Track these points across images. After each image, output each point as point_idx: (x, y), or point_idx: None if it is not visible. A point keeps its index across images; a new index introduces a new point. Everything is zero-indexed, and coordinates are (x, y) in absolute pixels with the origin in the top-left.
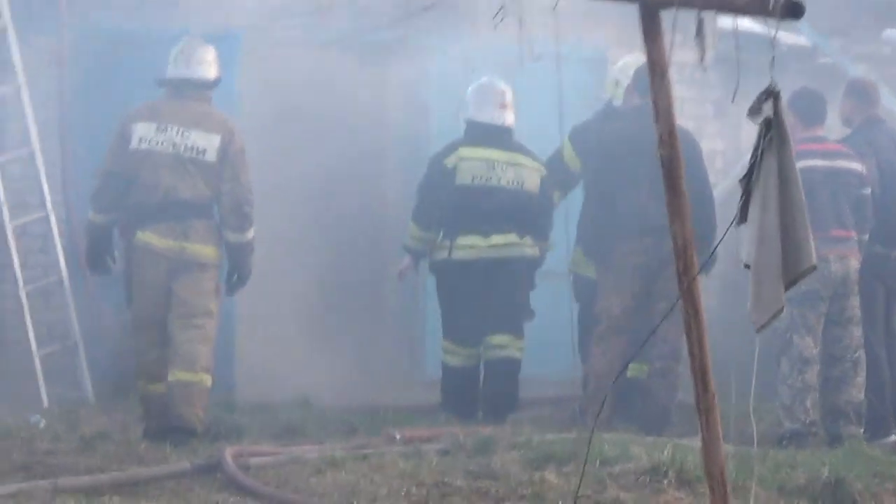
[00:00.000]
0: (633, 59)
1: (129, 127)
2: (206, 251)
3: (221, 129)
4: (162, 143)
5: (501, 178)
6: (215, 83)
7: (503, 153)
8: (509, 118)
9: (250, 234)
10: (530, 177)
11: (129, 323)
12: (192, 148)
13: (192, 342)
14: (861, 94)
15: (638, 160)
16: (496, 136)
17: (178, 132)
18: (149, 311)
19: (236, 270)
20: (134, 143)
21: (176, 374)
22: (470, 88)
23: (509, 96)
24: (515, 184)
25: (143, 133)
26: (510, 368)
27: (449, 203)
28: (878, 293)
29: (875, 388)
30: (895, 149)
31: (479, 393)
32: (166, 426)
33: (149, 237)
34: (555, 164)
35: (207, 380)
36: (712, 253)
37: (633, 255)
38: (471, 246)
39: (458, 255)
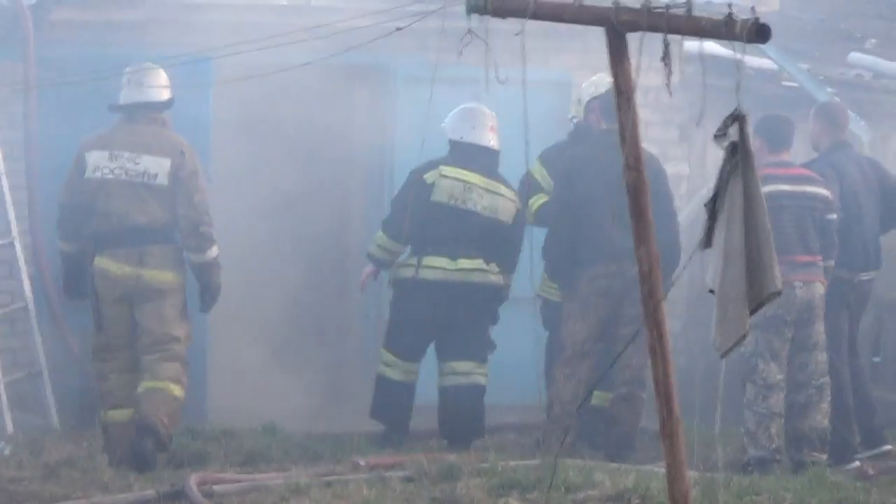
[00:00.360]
0: (598, 77)
1: (83, 156)
2: (163, 276)
3: (171, 153)
4: (114, 171)
5: (477, 203)
6: (168, 105)
7: (483, 179)
8: (496, 142)
9: (212, 252)
10: (505, 207)
11: (91, 349)
12: (143, 173)
13: (158, 361)
14: (829, 118)
15: (603, 185)
16: (481, 159)
17: (128, 158)
18: (109, 336)
19: (205, 289)
20: (88, 172)
21: (143, 385)
22: (457, 110)
23: (496, 121)
24: (490, 211)
25: (96, 162)
26: (475, 394)
27: (421, 218)
28: (842, 318)
29: (840, 413)
30: (860, 174)
31: (440, 419)
32: (129, 450)
33: (106, 263)
34: (528, 183)
35: (175, 389)
36: (674, 277)
37: (598, 280)
38: (438, 267)
39: (425, 274)
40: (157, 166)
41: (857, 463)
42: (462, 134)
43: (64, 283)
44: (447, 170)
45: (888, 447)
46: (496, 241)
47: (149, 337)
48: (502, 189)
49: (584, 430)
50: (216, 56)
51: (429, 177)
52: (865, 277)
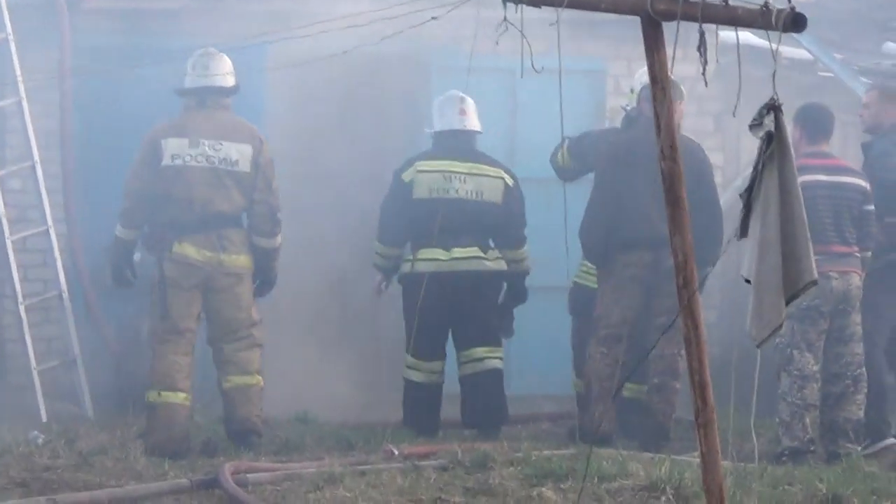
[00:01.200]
0: None
1: (159, 144)
2: (240, 261)
3: (251, 139)
4: (197, 158)
5: (459, 190)
6: (234, 90)
7: (462, 164)
8: (470, 123)
9: (279, 239)
10: (491, 186)
11: (153, 332)
12: (225, 160)
13: (242, 350)
14: (893, 97)
15: (644, 172)
16: (457, 145)
17: (210, 145)
18: (180, 320)
19: (264, 275)
20: (166, 160)
21: (231, 380)
22: (433, 103)
23: (470, 104)
24: (475, 195)
25: (176, 149)
26: (494, 379)
27: (408, 217)
28: (886, 304)
29: (875, 401)
30: None
31: (462, 408)
32: (170, 434)
33: (186, 249)
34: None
35: (261, 381)
36: (706, 270)
37: (632, 268)
38: (432, 259)
39: (420, 267)
40: (238, 153)
41: (892, 440)
42: (435, 124)
43: (114, 271)
44: (423, 164)
45: None
46: (489, 223)
47: (228, 324)
48: (486, 169)
49: (619, 421)
50: (253, 44)
51: (406, 175)
52: None
